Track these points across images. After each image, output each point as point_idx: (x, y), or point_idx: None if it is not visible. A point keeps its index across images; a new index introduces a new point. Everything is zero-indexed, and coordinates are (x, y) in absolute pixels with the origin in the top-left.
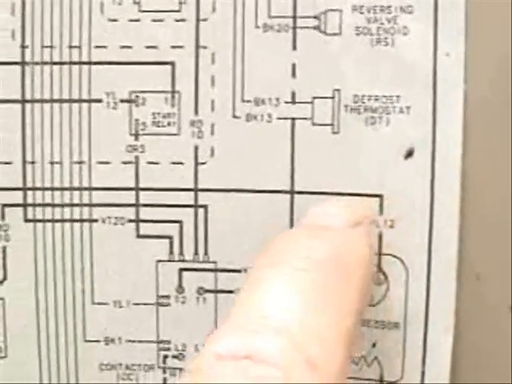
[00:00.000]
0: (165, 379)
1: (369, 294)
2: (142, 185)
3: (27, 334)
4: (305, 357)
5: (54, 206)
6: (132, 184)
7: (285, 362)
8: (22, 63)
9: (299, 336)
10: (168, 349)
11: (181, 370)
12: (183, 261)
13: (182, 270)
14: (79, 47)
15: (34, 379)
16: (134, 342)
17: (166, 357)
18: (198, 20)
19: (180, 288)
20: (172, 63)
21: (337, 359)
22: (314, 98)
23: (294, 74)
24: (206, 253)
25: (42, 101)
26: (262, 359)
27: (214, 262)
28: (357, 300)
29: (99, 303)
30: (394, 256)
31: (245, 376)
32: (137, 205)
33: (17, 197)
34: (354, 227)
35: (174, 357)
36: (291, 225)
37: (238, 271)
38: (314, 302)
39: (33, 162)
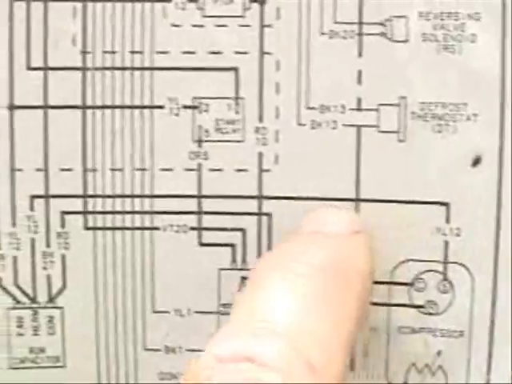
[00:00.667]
0: None
1: (368, 301)
2: (204, 192)
3: (86, 342)
4: (305, 361)
5: (114, 213)
6: (195, 191)
7: (285, 365)
8: (83, 69)
9: (299, 340)
10: None
11: None
12: (246, 269)
13: (244, 278)
14: (141, 53)
15: None
16: (194, 351)
17: None
18: (262, 26)
19: None
20: (236, 69)
21: (336, 364)
22: (380, 105)
23: (359, 81)
24: None
25: (104, 107)
26: (262, 362)
27: None
28: (356, 307)
29: (160, 312)
30: (460, 264)
31: (245, 378)
32: (199, 212)
33: (77, 204)
34: (354, 235)
35: None
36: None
37: None
38: (313, 308)
39: (94, 170)
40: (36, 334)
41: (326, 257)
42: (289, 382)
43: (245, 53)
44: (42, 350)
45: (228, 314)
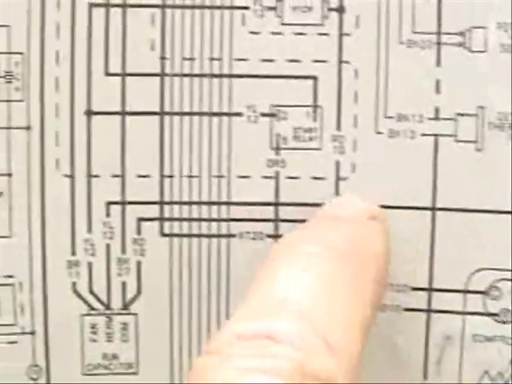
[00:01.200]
0: None
1: (384, 284)
2: (281, 200)
3: (160, 350)
4: (323, 339)
5: (191, 220)
6: (272, 199)
7: (305, 344)
8: (162, 75)
9: (318, 320)
10: None
11: None
12: None
13: None
14: (220, 59)
15: None
16: None
17: None
18: (341, 34)
19: None
20: (314, 77)
21: (353, 344)
22: (458, 114)
23: (437, 91)
24: None
25: (182, 113)
26: (282, 340)
27: None
28: (372, 288)
29: None
30: None
31: (265, 354)
32: (276, 220)
33: (153, 211)
34: (370, 220)
35: None
36: (432, 241)
37: None
38: (330, 287)
39: (171, 176)
40: (109, 341)
41: (342, 239)
42: (309, 360)
43: (323, 61)
44: (115, 357)
45: None
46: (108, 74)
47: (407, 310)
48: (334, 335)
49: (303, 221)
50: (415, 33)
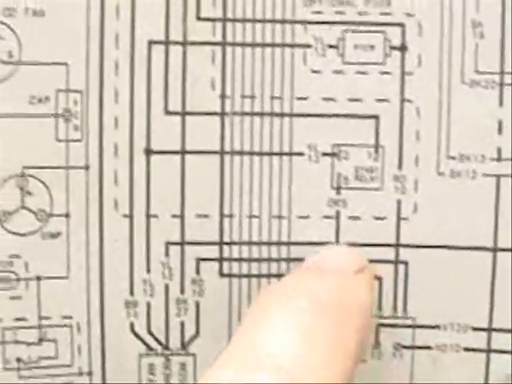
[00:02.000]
0: None
1: (367, 338)
2: (342, 239)
3: None
4: None
5: (250, 260)
6: (332, 239)
7: None
8: (222, 114)
9: (297, 374)
10: None
11: None
12: (381, 317)
13: (379, 325)
14: (281, 98)
15: None
16: None
17: None
18: (403, 73)
19: (377, 344)
20: (376, 117)
21: None
22: None
23: (500, 131)
24: (404, 309)
25: (242, 153)
26: None
27: (413, 318)
28: (354, 343)
29: None
30: None
31: None
32: None
33: (213, 251)
34: (357, 273)
35: None
36: (493, 282)
37: (437, 327)
38: (312, 342)
39: (230, 216)
40: (167, 381)
41: (327, 292)
42: None
43: (385, 100)
44: None
45: (362, 361)
46: (168, 113)
47: (467, 349)
48: None
49: None
50: (478, 73)
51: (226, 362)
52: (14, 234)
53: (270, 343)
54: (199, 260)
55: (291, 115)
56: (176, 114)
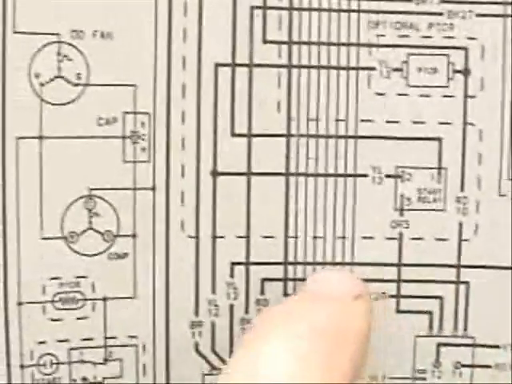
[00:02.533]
0: None
1: (363, 365)
2: (404, 261)
3: None
4: None
5: None
6: (395, 260)
7: None
8: (288, 135)
9: None
10: None
11: None
12: (442, 336)
13: (440, 344)
14: (346, 120)
15: None
16: None
17: None
18: (466, 97)
19: (437, 363)
20: (439, 139)
21: None
22: None
23: None
24: (465, 328)
25: (307, 174)
26: None
27: (473, 338)
28: (350, 371)
29: None
30: None
31: None
32: (398, 280)
33: (277, 271)
34: (356, 299)
35: None
36: None
37: (497, 347)
38: (313, 371)
39: (295, 237)
40: None
41: (328, 319)
42: None
43: (448, 123)
44: None
45: (422, 379)
46: (234, 135)
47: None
48: None
49: (425, 281)
50: None
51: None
52: (82, 254)
53: (268, 368)
54: (264, 280)
55: (356, 137)
56: (242, 135)
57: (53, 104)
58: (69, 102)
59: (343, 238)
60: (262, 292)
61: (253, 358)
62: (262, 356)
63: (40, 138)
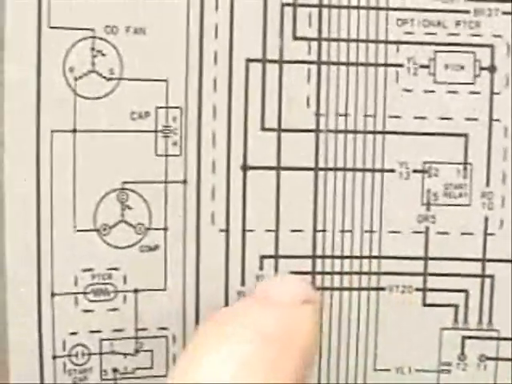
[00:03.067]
0: None
1: (309, 368)
2: (430, 254)
3: None
4: None
5: (342, 274)
6: (421, 253)
7: None
8: (317, 131)
9: None
10: None
11: None
12: (467, 329)
13: (465, 337)
14: (374, 116)
15: None
16: None
17: None
18: (491, 93)
19: (462, 355)
20: (465, 135)
21: None
22: None
23: None
24: (490, 321)
25: (336, 169)
26: None
27: (497, 331)
28: (295, 375)
29: (381, 370)
30: None
31: None
32: (425, 274)
33: (306, 264)
34: (304, 304)
35: None
36: None
37: None
38: (255, 374)
39: (323, 230)
40: None
41: (274, 325)
42: None
43: (474, 119)
44: None
45: (447, 372)
46: (264, 129)
47: None
48: None
49: (451, 275)
50: None
51: None
52: (114, 247)
53: (210, 372)
54: (292, 273)
55: (383, 133)
56: (272, 130)
57: (86, 98)
58: (102, 97)
59: (371, 232)
60: None
61: (196, 362)
62: (204, 360)
63: (74, 131)
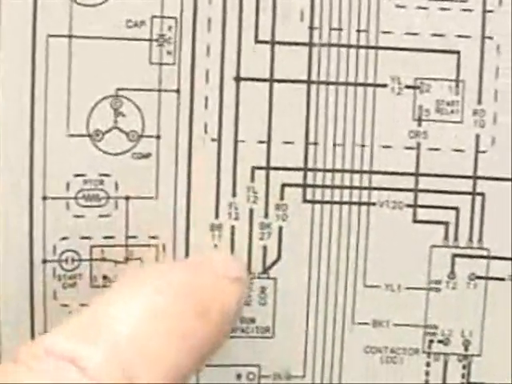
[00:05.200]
0: (428, 364)
1: (217, 343)
2: (422, 170)
3: (296, 314)
4: (126, 376)
5: (333, 187)
6: (412, 169)
7: (102, 377)
8: (310, 44)
9: (129, 354)
10: (434, 334)
11: (445, 354)
12: (457, 247)
13: (455, 255)
14: (367, 31)
15: (299, 360)
16: (401, 325)
17: (431, 341)
18: (484, 11)
19: (452, 274)
20: (458, 52)
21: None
22: None
23: None
24: (480, 239)
25: (328, 83)
26: (83, 367)
27: (487, 249)
28: (200, 346)
29: (371, 286)
30: None
31: (60, 377)
32: (415, 190)
33: (297, 177)
34: (232, 281)
35: (440, 342)
36: None
37: (511, 259)
38: (159, 328)
39: (315, 143)
40: (248, 304)
41: (196, 287)
42: None
43: (467, 36)
44: (253, 321)
45: (437, 290)
46: (258, 42)
47: None
48: (142, 373)
49: (441, 192)
50: None
51: (64, 329)
52: (106, 153)
53: (113, 318)
54: (284, 185)
55: (376, 48)
56: (266, 42)
57: (84, 5)
58: (99, 4)
59: (362, 146)
60: (282, 197)
61: (101, 307)
62: (112, 305)
63: (70, 36)
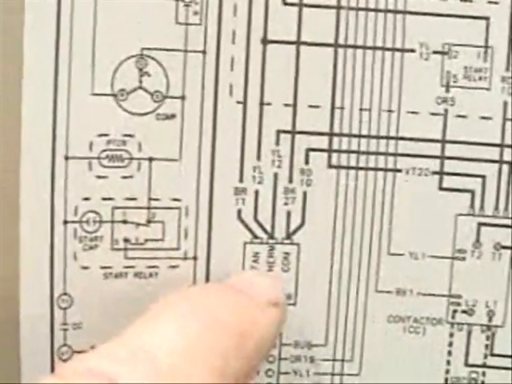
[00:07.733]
0: (451, 334)
1: (253, 371)
2: (448, 137)
3: (319, 281)
4: None
5: (359, 153)
6: (439, 136)
7: None
8: (338, 7)
9: (168, 376)
10: (458, 303)
11: (469, 325)
12: (483, 216)
13: (480, 224)
14: None
15: (321, 328)
16: (425, 294)
17: (455, 311)
18: None
19: (477, 243)
20: (487, 18)
21: None
22: None
23: None
24: (506, 209)
25: (356, 47)
26: None
27: None
28: (237, 371)
29: (395, 254)
30: None
31: None
32: (442, 157)
33: (322, 142)
34: (270, 306)
35: (464, 312)
36: None
37: None
38: (196, 353)
39: (341, 108)
40: (270, 270)
41: (232, 313)
42: None
43: (496, 3)
44: None
45: (461, 259)
46: (285, 4)
47: None
48: None
49: (468, 159)
50: None
51: (107, 350)
52: (130, 113)
53: (152, 342)
54: (309, 150)
55: (405, 12)
56: (294, 5)
57: None
58: None
59: (389, 111)
60: (307, 162)
61: (142, 331)
62: (150, 330)
63: None
